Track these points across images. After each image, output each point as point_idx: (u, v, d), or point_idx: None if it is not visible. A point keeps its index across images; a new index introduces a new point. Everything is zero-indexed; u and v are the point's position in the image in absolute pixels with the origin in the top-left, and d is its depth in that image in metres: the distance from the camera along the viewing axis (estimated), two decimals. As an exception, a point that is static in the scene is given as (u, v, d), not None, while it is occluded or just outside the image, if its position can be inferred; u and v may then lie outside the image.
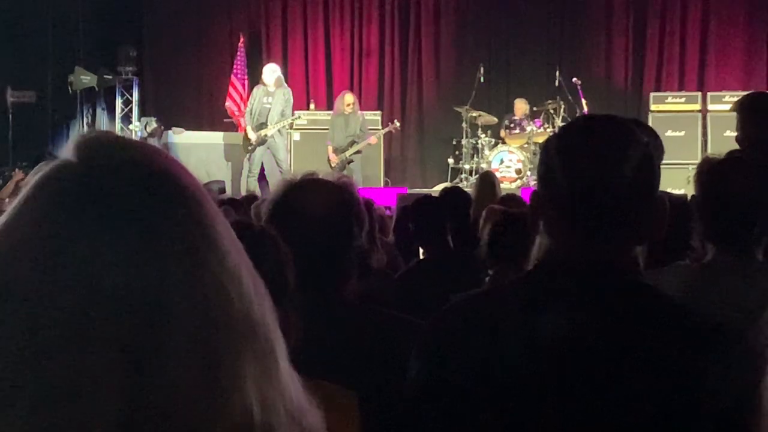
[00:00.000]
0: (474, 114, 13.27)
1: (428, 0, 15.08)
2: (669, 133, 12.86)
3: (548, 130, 12.77)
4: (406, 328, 2.16)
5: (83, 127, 14.51)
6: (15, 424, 0.81)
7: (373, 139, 12.69)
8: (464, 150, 13.29)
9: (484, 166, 12.53)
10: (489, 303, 1.82)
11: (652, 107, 13.42)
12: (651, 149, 1.73)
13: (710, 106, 13.13)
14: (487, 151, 13.02)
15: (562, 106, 12.96)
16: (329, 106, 14.13)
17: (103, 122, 14.78)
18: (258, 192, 11.17)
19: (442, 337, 1.77)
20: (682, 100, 13.46)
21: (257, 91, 12.77)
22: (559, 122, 12.64)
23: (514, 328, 1.67)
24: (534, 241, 1.78)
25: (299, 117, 13.13)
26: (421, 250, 5.24)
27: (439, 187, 11.10)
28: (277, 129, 12.51)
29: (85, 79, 14.03)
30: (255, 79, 13.30)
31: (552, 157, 1.73)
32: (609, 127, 1.76)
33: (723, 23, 14.38)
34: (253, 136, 12.52)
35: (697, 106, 13.27)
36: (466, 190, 6.36)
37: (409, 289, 4.26)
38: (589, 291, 1.68)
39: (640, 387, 1.59)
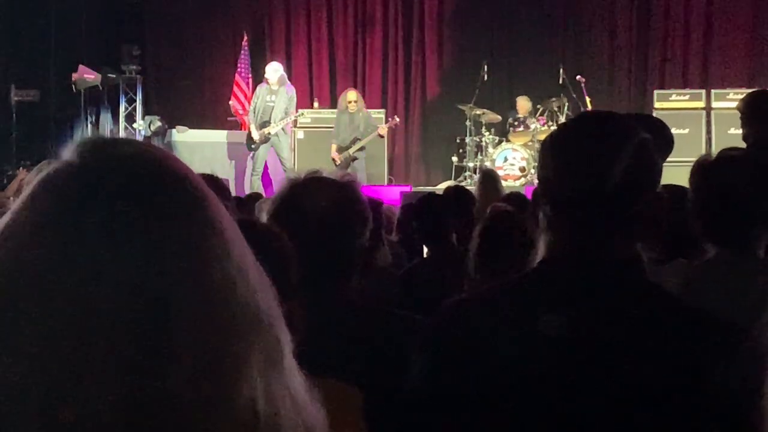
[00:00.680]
0: (478, 112, 13.26)
1: (432, -2, 15.11)
2: (673, 130, 12.47)
3: (552, 127, 12.75)
4: (409, 326, 2.17)
5: (87, 125, 14.52)
6: (22, 421, 0.81)
7: (381, 129, 12.66)
8: (468, 148, 13.28)
9: (488, 164, 12.53)
10: (491, 301, 1.82)
11: (656, 104, 13.39)
12: (649, 145, 1.72)
13: (714, 104, 13.10)
14: (491, 149, 13.02)
15: (566, 104, 12.95)
16: (333, 105, 14.13)
17: (106, 121, 14.79)
18: (262, 190, 11.17)
19: (444, 335, 1.77)
20: (686, 97, 13.43)
21: (260, 89, 12.77)
22: (562, 120, 12.62)
23: (516, 326, 1.67)
24: (530, 241, 1.79)
25: (302, 114, 13.13)
26: (425, 248, 5.24)
27: (443, 185, 11.10)
28: (281, 127, 12.51)
29: (89, 76, 14.04)
30: (259, 77, 13.31)
31: (546, 156, 1.75)
32: (601, 125, 1.76)
33: (727, 20, 14.36)
34: (256, 134, 12.52)
35: (701, 104, 13.24)
36: (469, 188, 6.35)
37: (413, 287, 4.26)
38: (591, 288, 1.68)
39: (643, 385, 1.59)
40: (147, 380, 0.83)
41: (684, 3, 14.54)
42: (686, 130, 12.92)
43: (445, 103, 14.73)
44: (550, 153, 1.74)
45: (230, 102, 14.00)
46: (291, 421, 0.90)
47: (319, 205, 2.25)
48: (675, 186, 2.98)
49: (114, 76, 14.31)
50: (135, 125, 14.33)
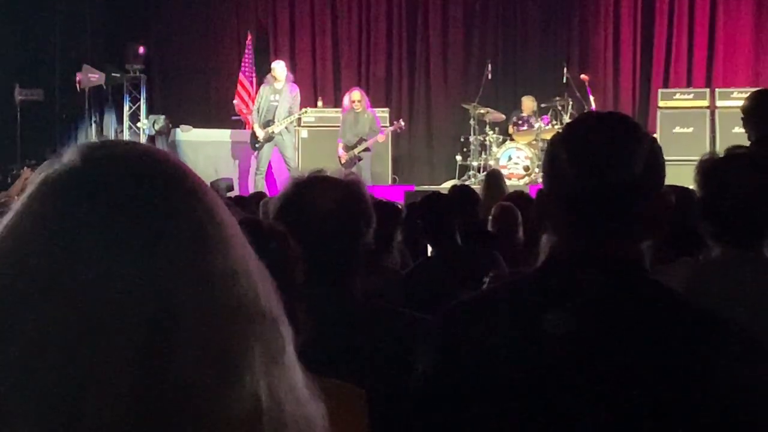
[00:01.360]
0: (482, 111, 13.26)
1: (436, -3, 15.11)
2: (677, 129, 12.85)
3: (556, 126, 12.75)
4: (414, 325, 2.17)
5: (91, 125, 14.54)
6: (29, 416, 0.82)
7: (381, 137, 12.69)
8: (472, 147, 13.29)
9: (492, 163, 12.53)
10: (496, 300, 1.82)
11: (660, 103, 13.38)
12: (658, 145, 1.74)
13: (718, 103, 13.09)
14: (495, 148, 13.02)
15: (570, 103, 12.95)
16: (337, 104, 14.14)
17: (110, 120, 14.81)
18: (265, 190, 11.18)
19: (449, 334, 1.77)
20: (690, 96, 13.42)
21: (264, 88, 12.78)
22: (566, 119, 12.63)
23: (522, 325, 1.67)
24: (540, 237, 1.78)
25: (306, 112, 13.13)
26: (429, 247, 5.24)
27: (447, 185, 11.12)
28: (285, 126, 12.52)
29: (93, 77, 14.06)
30: (263, 76, 13.31)
31: (560, 154, 1.72)
32: (617, 124, 1.76)
33: (731, 19, 14.34)
34: (260, 133, 12.53)
35: (706, 103, 13.23)
36: (473, 187, 6.36)
37: (417, 286, 4.26)
38: (597, 287, 1.68)
39: (648, 384, 1.59)
40: (151, 376, 0.83)
41: (688, 2, 14.53)
42: (690, 129, 12.92)
43: (449, 102, 14.74)
44: (566, 148, 1.72)
45: (234, 101, 14.01)
46: (293, 415, 0.91)
47: (323, 205, 2.25)
48: (678, 186, 2.98)
49: (118, 75, 14.32)
50: (139, 124, 14.34)
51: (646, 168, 1.68)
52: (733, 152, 2.72)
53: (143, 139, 13.33)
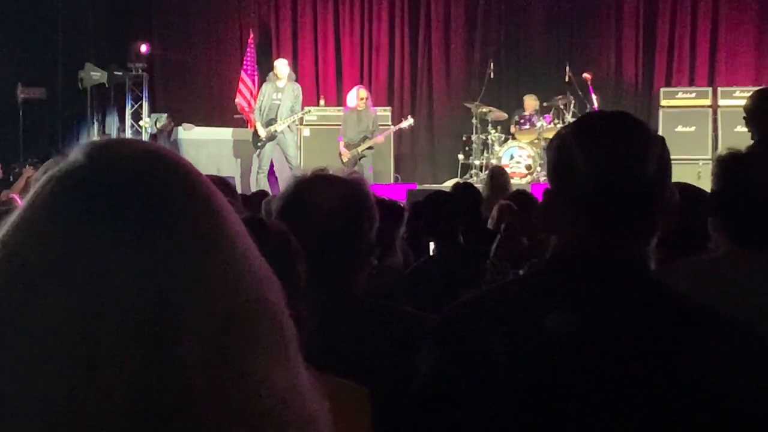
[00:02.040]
0: (484, 110, 13.26)
1: (438, -5, 15.10)
2: (679, 128, 12.84)
3: (558, 125, 12.74)
4: (417, 324, 2.17)
5: (93, 123, 14.54)
6: (31, 405, 0.82)
7: (380, 138, 12.70)
8: (474, 146, 13.29)
9: (494, 161, 12.53)
10: (501, 298, 1.82)
11: (663, 102, 13.38)
12: (666, 145, 1.74)
13: (721, 102, 13.09)
14: (497, 147, 13.02)
15: (572, 102, 12.95)
16: (339, 102, 14.14)
17: (113, 119, 14.81)
18: (268, 188, 11.17)
19: (453, 333, 1.77)
20: (693, 95, 13.42)
21: (266, 87, 12.79)
22: (569, 118, 12.62)
23: (526, 324, 1.67)
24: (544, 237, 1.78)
25: (309, 111, 13.13)
26: (431, 246, 5.23)
27: (449, 183, 11.10)
28: (287, 125, 12.52)
29: (96, 75, 14.06)
30: (265, 74, 13.31)
31: (575, 155, 1.69)
32: (630, 124, 1.75)
33: (733, 18, 14.33)
34: (262, 132, 12.54)
35: (708, 102, 13.23)
36: (476, 185, 6.35)
37: (420, 285, 4.26)
38: (602, 287, 1.67)
39: (652, 383, 1.59)
40: (153, 373, 0.84)
41: (691, 1, 14.52)
42: (692, 128, 12.91)
43: (452, 101, 14.74)
44: (581, 148, 1.70)
45: (236, 100, 14.01)
46: (295, 411, 0.91)
47: (326, 203, 2.25)
48: (680, 183, 2.95)
49: (121, 73, 14.32)
50: (141, 123, 14.34)
51: (658, 167, 1.68)
52: (753, 149, 2.66)
53: (145, 138, 13.33)
